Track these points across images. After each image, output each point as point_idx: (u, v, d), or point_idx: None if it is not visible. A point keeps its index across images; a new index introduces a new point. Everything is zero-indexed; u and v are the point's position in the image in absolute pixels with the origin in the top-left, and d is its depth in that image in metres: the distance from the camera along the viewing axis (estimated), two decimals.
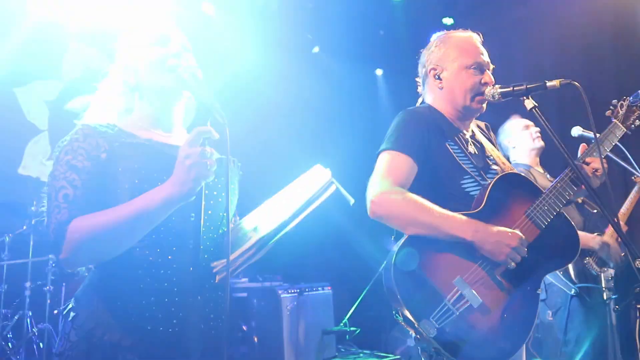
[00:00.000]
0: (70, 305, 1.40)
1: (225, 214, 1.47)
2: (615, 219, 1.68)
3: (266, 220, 1.42)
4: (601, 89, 4.97)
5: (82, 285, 1.43)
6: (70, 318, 1.37)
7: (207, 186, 1.37)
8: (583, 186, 1.91)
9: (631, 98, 2.10)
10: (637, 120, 2.09)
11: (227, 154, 1.25)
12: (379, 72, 7.41)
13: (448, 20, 5.94)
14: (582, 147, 2.07)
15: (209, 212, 1.45)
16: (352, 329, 5.35)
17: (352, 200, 1.38)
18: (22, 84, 5.60)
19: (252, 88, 7.05)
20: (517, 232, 1.81)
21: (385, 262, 1.83)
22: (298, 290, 4.91)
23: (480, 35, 2.14)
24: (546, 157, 5.44)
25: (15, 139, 5.45)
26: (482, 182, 1.96)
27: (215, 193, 1.47)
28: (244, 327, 5.27)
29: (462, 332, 1.72)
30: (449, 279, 1.77)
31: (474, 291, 1.76)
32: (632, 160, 2.33)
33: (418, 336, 1.71)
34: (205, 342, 1.41)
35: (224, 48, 6.46)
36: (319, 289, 5.15)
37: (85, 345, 1.32)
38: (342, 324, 5.38)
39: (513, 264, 1.78)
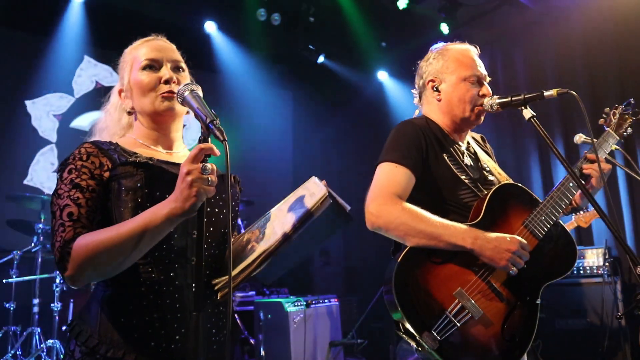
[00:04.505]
0: (74, 323, 1.41)
1: (226, 230, 1.48)
2: (614, 224, 1.67)
3: (267, 233, 1.42)
4: (603, 96, 4.97)
5: (86, 302, 1.45)
6: (74, 335, 1.38)
7: (208, 202, 1.39)
8: (580, 193, 1.91)
9: (623, 106, 2.10)
10: (630, 128, 2.10)
11: (227, 170, 1.25)
12: (383, 75, 7.40)
13: (444, 28, 5.95)
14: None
15: (210, 228, 1.46)
16: (359, 341, 5.33)
17: (347, 207, 1.39)
18: (33, 97, 5.75)
19: (255, 103, 7.11)
20: (517, 236, 1.81)
21: (385, 274, 1.83)
22: (305, 303, 4.90)
23: (478, 47, 2.15)
24: (547, 166, 5.44)
25: (23, 150, 5.58)
26: (479, 193, 1.96)
27: (216, 210, 1.49)
28: (252, 341, 5.26)
29: (464, 344, 1.72)
30: (449, 291, 1.77)
31: (474, 302, 1.76)
32: (633, 163, 2.32)
33: (420, 348, 1.70)
34: (208, 357, 1.41)
35: (225, 62, 6.55)
36: (326, 301, 5.13)
37: None
38: (349, 336, 5.36)
39: (514, 269, 1.77)
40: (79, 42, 5.74)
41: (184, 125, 1.61)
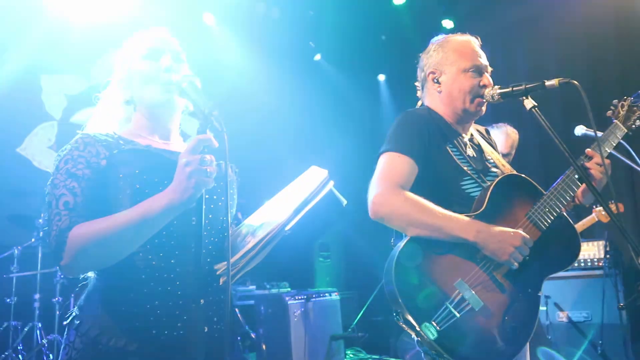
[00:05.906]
0: (74, 314, 1.41)
1: (225, 218, 1.48)
2: (617, 215, 1.67)
3: (266, 221, 1.43)
4: (605, 88, 4.96)
5: (86, 292, 1.44)
6: (74, 326, 1.37)
7: (207, 191, 1.39)
8: (584, 185, 1.90)
9: (632, 98, 2.08)
10: (638, 121, 2.06)
11: (226, 160, 1.25)
12: (381, 77, 7.42)
13: (448, 24, 5.94)
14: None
15: (210, 216, 1.46)
16: (360, 334, 5.34)
17: (344, 202, 1.39)
18: (49, 72, 5.72)
19: (253, 96, 7.09)
20: (520, 231, 1.80)
21: (386, 265, 1.83)
22: (305, 297, 4.91)
23: (479, 38, 2.13)
24: (549, 158, 5.43)
25: (24, 119, 5.53)
26: (482, 184, 1.95)
27: (215, 197, 1.49)
28: (253, 334, 5.27)
29: (464, 335, 1.71)
30: (450, 282, 1.76)
31: (475, 293, 1.75)
32: (636, 157, 2.30)
33: (419, 339, 1.70)
34: (209, 345, 1.41)
35: (224, 56, 6.53)
36: (327, 294, 5.14)
37: (91, 352, 1.33)
38: (350, 330, 5.37)
39: (516, 264, 1.77)
40: (104, 33, 5.78)
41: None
